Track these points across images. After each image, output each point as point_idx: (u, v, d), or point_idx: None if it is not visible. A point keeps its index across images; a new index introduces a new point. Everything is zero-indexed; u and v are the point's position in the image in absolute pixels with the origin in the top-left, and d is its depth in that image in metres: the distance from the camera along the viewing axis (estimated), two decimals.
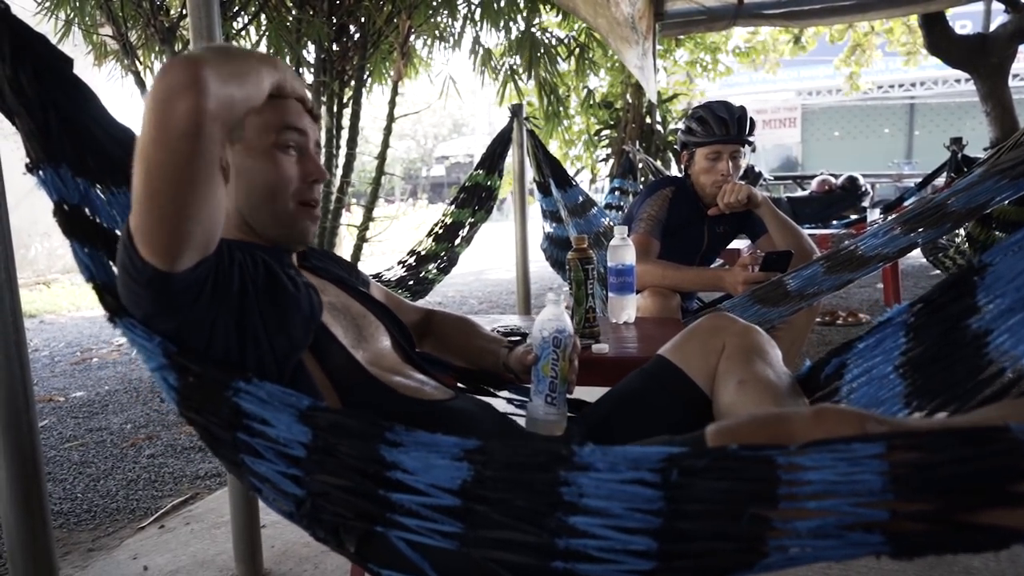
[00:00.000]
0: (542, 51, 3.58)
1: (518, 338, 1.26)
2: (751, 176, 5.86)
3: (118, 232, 1.04)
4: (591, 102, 5.94)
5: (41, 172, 0.97)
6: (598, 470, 0.53)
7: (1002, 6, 5.53)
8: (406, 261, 2.74)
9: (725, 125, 2.05)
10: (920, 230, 1.34)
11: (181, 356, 0.82)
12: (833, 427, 0.65)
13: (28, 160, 0.98)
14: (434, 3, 3.18)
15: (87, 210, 0.99)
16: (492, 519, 0.59)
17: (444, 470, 0.61)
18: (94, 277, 0.95)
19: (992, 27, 5.89)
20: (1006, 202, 1.34)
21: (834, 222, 4.98)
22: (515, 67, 3.60)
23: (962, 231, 3.46)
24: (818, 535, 0.45)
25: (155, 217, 0.75)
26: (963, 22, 10.35)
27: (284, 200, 0.97)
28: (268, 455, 0.74)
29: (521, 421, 1.09)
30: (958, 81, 14.69)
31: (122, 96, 2.69)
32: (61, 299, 6.01)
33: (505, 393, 1.27)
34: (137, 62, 2.55)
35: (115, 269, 0.97)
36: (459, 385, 1.27)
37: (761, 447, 0.50)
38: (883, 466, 0.45)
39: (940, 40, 5.57)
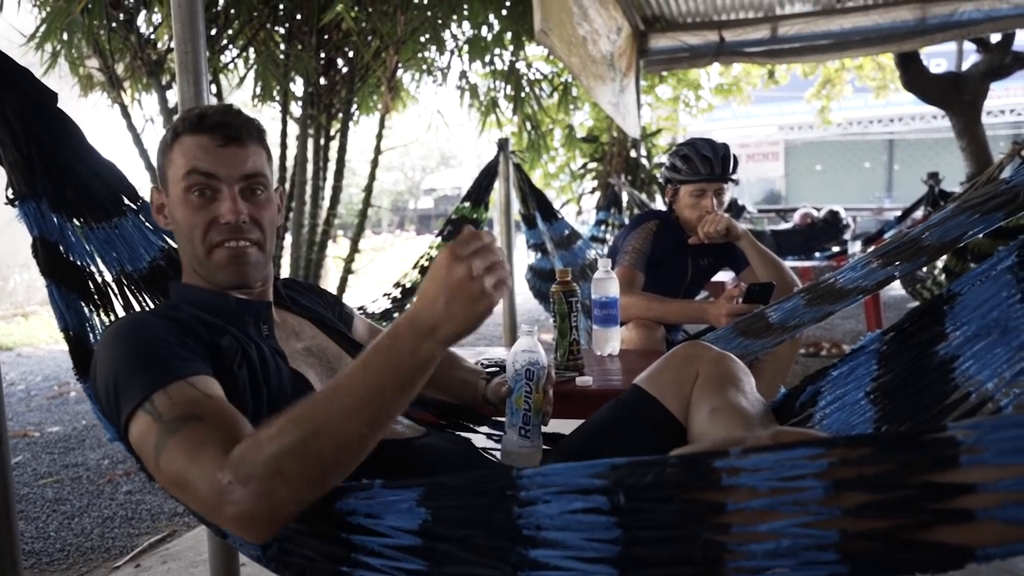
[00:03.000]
0: (526, 89, 3.63)
1: (497, 369, 1.26)
2: (734, 209, 5.94)
3: (92, 269, 1.05)
4: (574, 136, 6.03)
5: (23, 205, 0.98)
6: (547, 502, 0.53)
7: (973, 46, 5.71)
8: (391, 293, 2.73)
9: (710, 164, 2.08)
10: (897, 263, 1.36)
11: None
12: None
13: (10, 192, 0.98)
14: (422, 39, 3.24)
15: (62, 247, 0.99)
16: (455, 555, 0.59)
17: (401, 516, 0.62)
18: (68, 328, 0.95)
19: (965, 66, 6.07)
20: (980, 235, 1.36)
21: (816, 254, 5.05)
22: (495, 98, 3.64)
23: (940, 263, 3.52)
24: (774, 556, 0.45)
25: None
26: (938, 60, 10.65)
27: (196, 246, 0.93)
28: None
29: (498, 455, 1.08)
30: (935, 117, 15.00)
31: (108, 127, 2.70)
32: (39, 331, 5.92)
33: (484, 428, 1.26)
34: (123, 93, 2.57)
35: (87, 314, 0.97)
36: (440, 421, 1.26)
37: (702, 453, 0.51)
38: (823, 466, 0.46)
39: (916, 78, 5.74)
